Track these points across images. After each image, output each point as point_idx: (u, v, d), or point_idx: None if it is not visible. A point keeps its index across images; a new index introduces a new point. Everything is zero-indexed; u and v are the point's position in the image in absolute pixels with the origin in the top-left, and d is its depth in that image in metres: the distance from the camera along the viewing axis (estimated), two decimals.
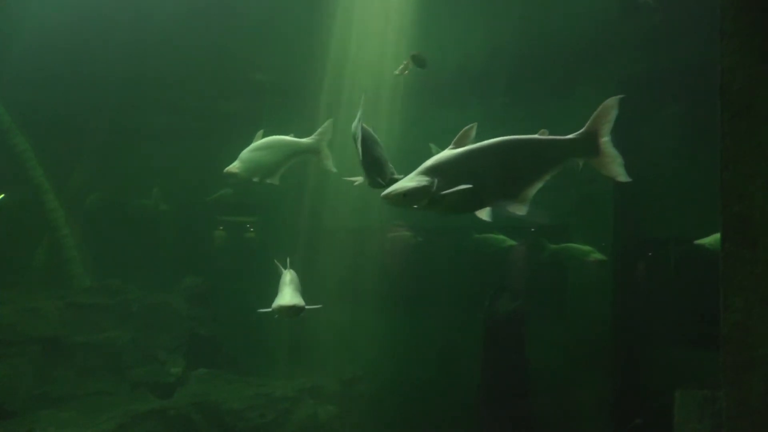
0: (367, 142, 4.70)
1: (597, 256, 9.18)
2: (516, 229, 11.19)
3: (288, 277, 6.45)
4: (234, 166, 6.42)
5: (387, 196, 3.79)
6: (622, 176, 3.78)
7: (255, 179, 6.44)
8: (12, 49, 11.36)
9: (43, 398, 9.93)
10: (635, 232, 9.84)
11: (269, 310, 6.19)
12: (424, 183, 3.71)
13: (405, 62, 7.85)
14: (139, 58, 11.85)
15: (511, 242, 10.22)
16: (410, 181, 3.79)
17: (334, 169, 6.33)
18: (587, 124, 3.78)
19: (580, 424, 9.71)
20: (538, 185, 3.81)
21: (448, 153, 3.85)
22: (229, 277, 13.06)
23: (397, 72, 7.82)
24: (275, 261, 6.76)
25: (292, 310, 6.02)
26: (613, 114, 3.78)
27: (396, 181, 4.77)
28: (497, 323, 9.71)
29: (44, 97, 12.07)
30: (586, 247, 9.30)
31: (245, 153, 6.43)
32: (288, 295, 6.17)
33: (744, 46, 2.33)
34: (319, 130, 6.30)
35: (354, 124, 4.78)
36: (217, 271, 13.44)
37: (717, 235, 7.45)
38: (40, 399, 9.91)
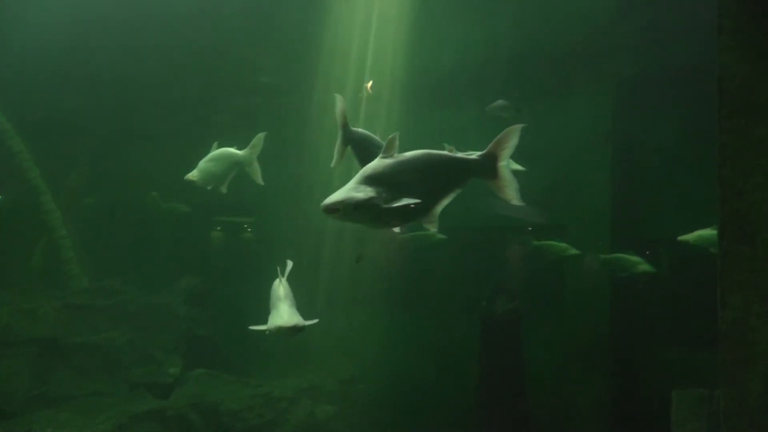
0: (368, 146, 4.56)
1: (645, 267, 8.87)
2: (513, 228, 11.21)
3: (282, 291, 5.97)
4: (192, 175, 6.95)
5: (332, 207, 3.48)
6: (516, 200, 3.85)
7: (209, 187, 7.00)
8: (8, 50, 11.34)
9: (41, 399, 9.92)
10: (632, 231, 9.85)
11: (263, 328, 5.76)
12: (371, 194, 3.51)
13: (366, 86, 8.15)
14: (135, 59, 11.85)
15: (573, 251, 9.53)
16: (355, 191, 3.53)
17: (261, 182, 6.81)
18: (488, 147, 3.83)
19: (577, 423, 9.72)
20: (446, 202, 3.81)
21: (382, 162, 3.71)
22: (227, 278, 13.06)
23: (361, 94, 8.07)
24: (278, 270, 6.31)
25: (291, 331, 5.60)
26: (515, 140, 3.83)
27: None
28: (495, 323, 9.71)
29: (41, 99, 12.06)
30: (635, 258, 9.06)
31: (201, 163, 6.98)
32: (286, 313, 5.70)
33: (743, 42, 2.33)
34: (252, 142, 6.81)
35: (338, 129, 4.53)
36: (214, 271, 13.43)
37: (700, 232, 7.51)
38: (38, 400, 9.90)
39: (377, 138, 4.73)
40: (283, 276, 6.16)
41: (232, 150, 6.98)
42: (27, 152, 12.36)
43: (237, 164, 6.92)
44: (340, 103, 4.38)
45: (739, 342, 2.38)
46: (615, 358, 9.75)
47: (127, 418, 9.37)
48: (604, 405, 9.63)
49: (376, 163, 3.74)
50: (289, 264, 6.38)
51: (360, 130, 4.60)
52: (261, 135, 6.83)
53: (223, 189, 7.06)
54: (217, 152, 7.04)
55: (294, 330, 5.60)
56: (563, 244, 9.63)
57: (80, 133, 13.35)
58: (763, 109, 2.29)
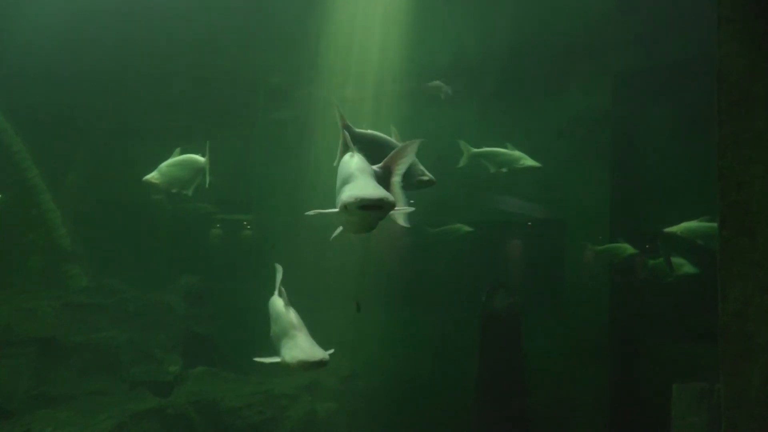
0: (377, 146, 4.44)
1: (689, 269, 8.64)
2: (512, 224, 11.22)
3: (293, 315, 5.19)
4: (153, 177, 7.27)
5: (379, 203, 3.23)
6: (403, 221, 3.73)
7: (173, 190, 7.39)
8: (6, 49, 11.32)
9: (41, 398, 9.91)
10: (631, 225, 9.85)
11: (275, 360, 5.02)
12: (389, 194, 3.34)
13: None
14: (135, 56, 11.82)
15: (632, 250, 9.27)
16: (380, 189, 3.34)
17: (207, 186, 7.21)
18: (385, 160, 3.74)
19: (576, 418, 9.73)
20: None
21: (366, 163, 3.66)
22: (226, 275, 13.05)
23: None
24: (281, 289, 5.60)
25: (315, 366, 4.86)
26: (410, 156, 3.75)
27: (428, 182, 4.59)
28: (494, 319, 9.72)
29: (39, 97, 12.02)
30: (679, 259, 8.84)
31: (163, 166, 7.30)
32: (306, 345, 4.91)
33: (742, 32, 2.31)
34: (207, 152, 7.24)
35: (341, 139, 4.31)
36: (213, 269, 13.42)
37: (686, 224, 7.57)
38: (37, 399, 9.88)
39: (388, 138, 4.66)
40: (278, 293, 5.46)
41: (197, 157, 7.29)
42: (26, 151, 12.33)
43: (201, 170, 7.25)
44: (337, 106, 4.28)
45: (740, 334, 2.37)
46: (615, 352, 9.75)
47: (128, 417, 9.36)
48: (604, 399, 9.64)
49: (365, 163, 3.69)
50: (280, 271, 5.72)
51: (368, 131, 4.52)
52: (207, 144, 7.24)
53: (189, 192, 7.40)
54: (181, 157, 7.33)
55: (319, 365, 4.88)
56: (625, 245, 9.40)
57: (79, 131, 13.32)
58: (763, 100, 2.28)
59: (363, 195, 3.26)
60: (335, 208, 3.65)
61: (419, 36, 10.80)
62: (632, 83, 9.94)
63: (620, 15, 9.74)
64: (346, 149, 4.09)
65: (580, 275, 10.00)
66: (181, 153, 7.42)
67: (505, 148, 8.88)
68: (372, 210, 3.26)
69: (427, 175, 4.75)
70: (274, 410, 9.97)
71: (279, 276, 5.63)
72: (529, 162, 8.80)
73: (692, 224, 7.54)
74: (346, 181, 3.58)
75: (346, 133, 3.90)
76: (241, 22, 11.47)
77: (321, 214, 3.72)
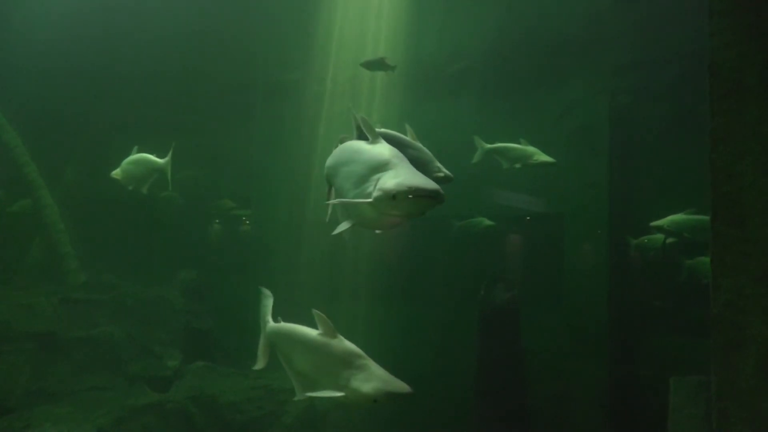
0: (394, 145, 4.36)
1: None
2: (511, 218, 11.22)
3: (347, 343, 4.63)
4: (116, 173, 7.77)
5: (435, 194, 3.00)
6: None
7: (130, 187, 7.82)
8: (3, 45, 11.30)
9: (40, 394, 9.92)
10: (630, 219, 9.85)
11: (337, 394, 4.36)
12: None
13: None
14: (133, 51, 11.81)
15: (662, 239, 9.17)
16: (429, 180, 3.16)
17: (170, 188, 7.78)
18: None
19: (575, 412, 9.74)
20: None
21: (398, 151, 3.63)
22: (225, 271, 13.06)
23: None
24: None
25: (401, 399, 4.35)
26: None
27: (445, 179, 4.53)
28: (493, 313, 9.72)
29: (37, 93, 12.00)
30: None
31: (124, 164, 7.78)
32: (386, 375, 4.47)
33: (734, 24, 2.30)
34: (170, 153, 7.62)
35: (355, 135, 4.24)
36: (212, 264, 13.42)
37: (673, 217, 7.57)
38: (36, 395, 9.89)
39: (404, 137, 4.62)
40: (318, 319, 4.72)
41: (152, 157, 7.74)
42: (23, 147, 12.33)
43: (156, 170, 7.70)
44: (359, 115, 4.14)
45: (731, 325, 2.37)
46: (614, 345, 9.76)
47: (127, 412, 9.39)
48: (603, 393, 9.64)
49: (398, 151, 3.59)
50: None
51: (382, 129, 4.45)
52: (173, 145, 7.58)
53: (144, 190, 7.85)
54: (137, 156, 7.77)
55: (405, 397, 4.35)
56: (659, 235, 9.35)
57: (77, 127, 13.31)
58: (754, 91, 2.27)
59: (418, 184, 3.02)
60: (337, 199, 3.54)
61: (417, 29, 10.79)
62: (631, 77, 9.93)
63: (620, 8, 9.73)
64: (361, 138, 3.96)
65: (579, 269, 10.00)
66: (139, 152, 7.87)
67: (518, 143, 8.80)
68: (425, 201, 3.02)
69: (444, 172, 4.69)
70: (274, 405, 9.97)
71: (269, 302, 5.25)
72: (543, 157, 8.69)
73: (678, 217, 7.55)
74: (377, 169, 3.37)
75: (367, 120, 3.78)
76: (242, 17, 11.47)
77: (345, 203, 3.55)
